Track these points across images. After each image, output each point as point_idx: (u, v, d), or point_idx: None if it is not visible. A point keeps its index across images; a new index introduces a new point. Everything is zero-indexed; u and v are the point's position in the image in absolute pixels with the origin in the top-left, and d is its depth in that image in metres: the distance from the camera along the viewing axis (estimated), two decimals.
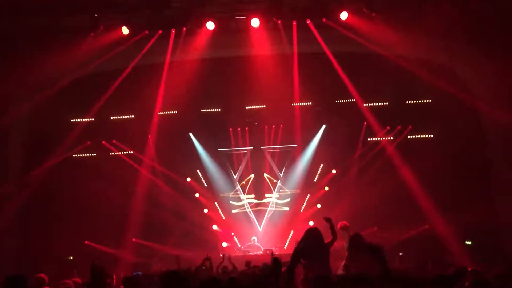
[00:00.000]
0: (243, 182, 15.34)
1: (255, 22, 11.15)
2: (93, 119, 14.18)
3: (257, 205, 15.32)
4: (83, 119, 14.14)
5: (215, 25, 11.28)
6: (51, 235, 13.49)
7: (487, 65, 10.92)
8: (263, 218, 15.18)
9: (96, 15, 10.93)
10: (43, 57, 10.76)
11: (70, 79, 12.58)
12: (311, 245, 5.81)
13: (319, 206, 14.60)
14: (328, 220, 7.72)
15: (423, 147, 13.90)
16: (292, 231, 14.43)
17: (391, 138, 14.40)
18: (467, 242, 12.99)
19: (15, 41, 10.66)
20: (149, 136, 14.46)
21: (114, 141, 14.81)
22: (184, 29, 11.40)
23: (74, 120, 14.17)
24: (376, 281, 3.87)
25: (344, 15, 10.93)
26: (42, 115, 12.81)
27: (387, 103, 14.15)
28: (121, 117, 14.61)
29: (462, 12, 9.89)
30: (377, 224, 13.33)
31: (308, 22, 11.34)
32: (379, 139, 14.50)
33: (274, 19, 11.21)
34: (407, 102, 14.08)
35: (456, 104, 12.38)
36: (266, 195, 15.31)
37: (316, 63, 12.59)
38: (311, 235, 6.02)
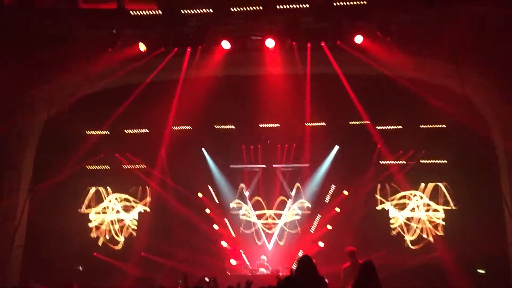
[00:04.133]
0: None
1: (270, 43, 11.25)
2: (107, 132, 14.39)
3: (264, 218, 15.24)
4: (98, 132, 14.34)
5: (230, 45, 11.40)
6: (60, 244, 13.66)
7: (497, 94, 10.84)
8: (272, 237, 15.11)
9: (114, 31, 11.14)
10: (61, 69, 11.04)
11: (87, 92, 12.82)
12: (304, 274, 5.66)
13: (329, 227, 14.51)
14: None
15: (435, 172, 13.83)
16: (301, 251, 14.32)
17: (404, 162, 14.30)
18: (479, 271, 12.75)
19: (33, 53, 10.91)
20: (162, 150, 14.62)
21: (127, 154, 15.01)
22: (200, 47, 11.55)
23: (89, 132, 14.37)
24: None
25: (358, 39, 10.95)
26: (58, 126, 13.01)
27: (400, 127, 14.07)
28: (135, 131, 14.78)
29: (475, 40, 9.86)
30: (386, 247, 13.22)
31: (322, 44, 11.39)
32: (391, 162, 14.41)
33: (289, 40, 11.30)
34: (420, 126, 13.96)
35: (470, 130, 12.27)
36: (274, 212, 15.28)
37: (330, 84, 12.60)
38: (304, 264, 5.83)
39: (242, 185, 15.20)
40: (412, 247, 13.80)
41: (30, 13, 10.88)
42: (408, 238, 13.96)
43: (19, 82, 10.99)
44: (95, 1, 11.47)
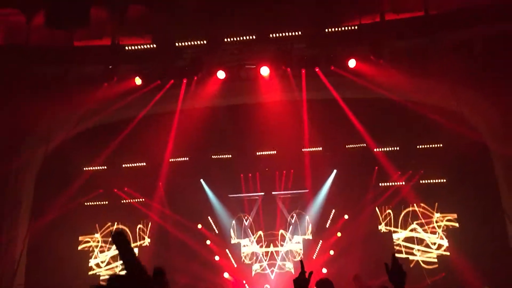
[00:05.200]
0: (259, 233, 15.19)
1: (264, 71, 11.34)
2: (105, 167, 14.31)
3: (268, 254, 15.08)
4: (96, 167, 14.24)
5: (225, 74, 11.48)
6: (60, 282, 13.41)
7: (491, 108, 10.96)
8: (275, 265, 14.92)
9: (110, 66, 11.20)
10: (56, 104, 11.00)
11: (83, 127, 12.79)
12: None
13: (332, 252, 14.37)
14: None
15: (435, 191, 13.84)
16: None
17: (403, 183, 14.30)
18: None
19: (30, 88, 10.90)
20: (160, 183, 14.53)
21: (126, 188, 14.92)
22: (195, 78, 11.62)
23: (86, 168, 14.25)
24: None
25: (352, 63, 11.06)
26: (54, 162, 12.90)
27: (397, 148, 14.11)
28: (133, 164, 14.71)
29: (466, 58, 10.02)
30: None
31: (316, 69, 11.51)
32: (390, 184, 14.41)
33: (283, 67, 11.40)
34: (418, 146, 14.01)
35: (467, 147, 12.29)
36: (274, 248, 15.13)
37: (326, 109, 12.65)
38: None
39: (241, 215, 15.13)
40: (419, 267, 13.68)
41: (24, 53, 10.95)
42: (412, 258, 13.86)
43: (16, 121, 10.92)
44: (89, 38, 11.58)
